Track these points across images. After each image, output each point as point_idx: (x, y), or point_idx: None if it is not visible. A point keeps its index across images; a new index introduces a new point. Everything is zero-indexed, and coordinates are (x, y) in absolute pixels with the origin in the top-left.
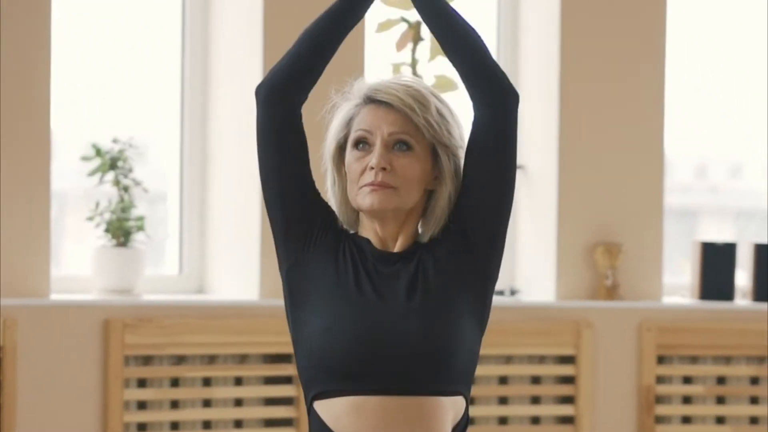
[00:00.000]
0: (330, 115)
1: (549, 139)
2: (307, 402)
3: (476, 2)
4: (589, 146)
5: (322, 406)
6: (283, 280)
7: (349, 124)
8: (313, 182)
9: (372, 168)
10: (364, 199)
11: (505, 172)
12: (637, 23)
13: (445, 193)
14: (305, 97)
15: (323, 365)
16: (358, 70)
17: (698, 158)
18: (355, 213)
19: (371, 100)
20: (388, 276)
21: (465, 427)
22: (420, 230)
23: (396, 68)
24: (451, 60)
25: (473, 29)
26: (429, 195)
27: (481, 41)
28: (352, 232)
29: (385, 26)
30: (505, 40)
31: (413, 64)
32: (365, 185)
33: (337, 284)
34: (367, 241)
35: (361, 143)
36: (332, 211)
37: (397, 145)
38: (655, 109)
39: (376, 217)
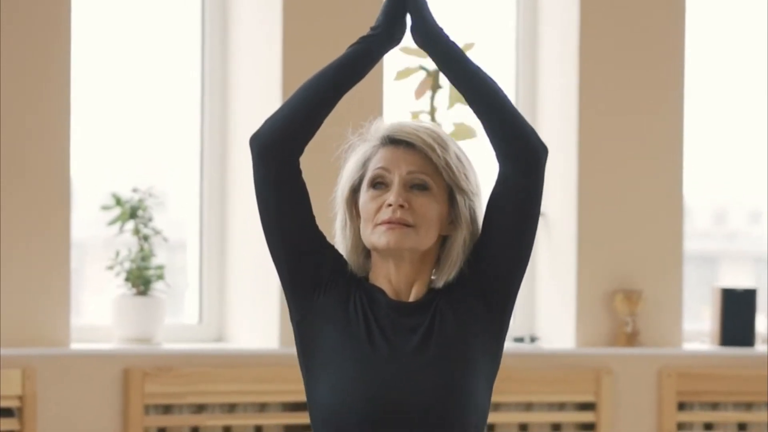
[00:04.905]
0: (345, 156)
1: (568, 186)
2: None
3: (494, 51)
4: (608, 193)
5: None
6: (294, 332)
7: (365, 165)
8: (318, 233)
9: (389, 205)
10: (380, 237)
11: (529, 226)
12: (655, 74)
13: (461, 238)
14: (302, 151)
15: (335, 424)
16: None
17: (717, 204)
18: (366, 258)
19: (390, 140)
20: (403, 329)
21: None
22: (433, 277)
23: (415, 116)
24: (478, 116)
25: (497, 85)
26: (443, 241)
27: (507, 97)
28: (362, 276)
29: (403, 74)
30: (524, 92)
31: (432, 112)
32: (381, 223)
33: (348, 338)
34: (380, 290)
35: (378, 182)
36: (340, 258)
37: (416, 185)
38: (673, 156)
39: (391, 256)
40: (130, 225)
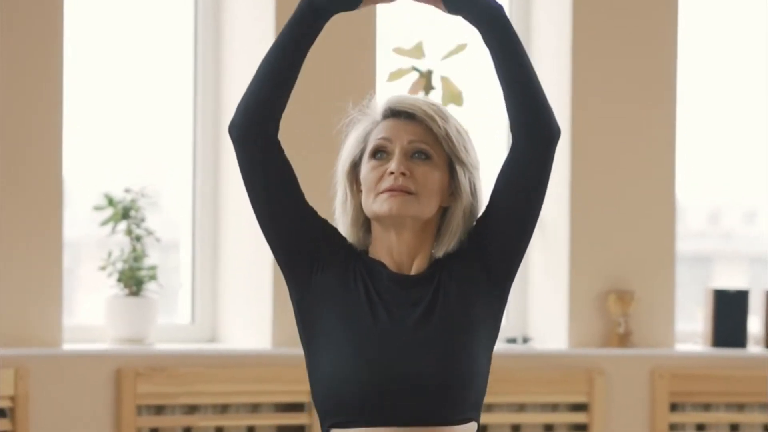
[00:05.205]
0: (346, 131)
1: (561, 187)
2: (323, 429)
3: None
4: (601, 194)
5: None
6: (294, 310)
7: (365, 138)
8: (309, 209)
9: (391, 173)
10: (382, 205)
11: (537, 203)
12: (649, 74)
13: (460, 209)
14: (277, 126)
15: (338, 397)
16: (369, 47)
17: (711, 204)
18: (367, 232)
19: (391, 112)
20: (405, 301)
21: None
22: (433, 250)
23: None
24: (507, 86)
25: (530, 60)
26: (443, 213)
27: (536, 74)
28: (362, 250)
29: (396, 75)
30: None
31: None
32: (383, 191)
33: (349, 313)
34: (381, 264)
35: (379, 152)
36: (336, 233)
37: (417, 153)
38: (666, 156)
39: (393, 226)
40: (122, 225)
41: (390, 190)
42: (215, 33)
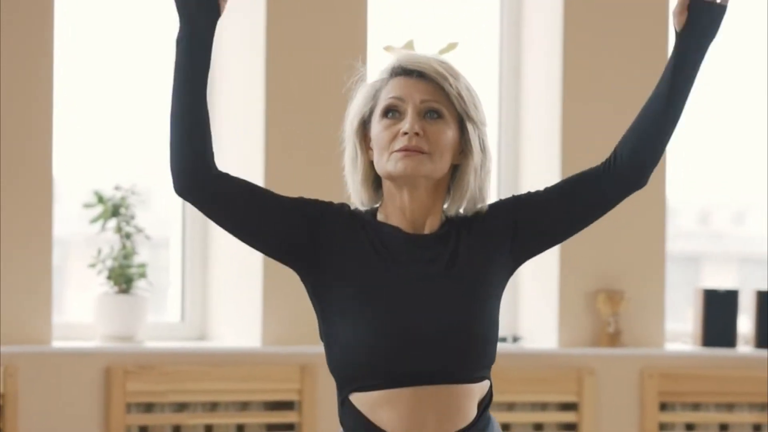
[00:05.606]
0: (354, 88)
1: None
2: (340, 396)
3: (477, 49)
4: None
5: (358, 398)
6: (310, 294)
7: (375, 96)
8: (283, 207)
9: (405, 133)
10: (396, 165)
11: (591, 219)
12: (638, 76)
13: (471, 166)
14: (213, 164)
15: (362, 360)
16: (361, 49)
17: (701, 205)
18: (377, 190)
19: (402, 70)
20: (422, 259)
21: (489, 402)
22: (445, 206)
23: None
24: (654, 120)
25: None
26: (453, 171)
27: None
28: (370, 217)
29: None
30: (507, 94)
31: None
32: (397, 151)
33: (366, 280)
34: (393, 227)
35: (391, 111)
36: (325, 211)
37: (429, 112)
38: None
39: (406, 185)
40: (112, 223)
41: (404, 150)
42: None
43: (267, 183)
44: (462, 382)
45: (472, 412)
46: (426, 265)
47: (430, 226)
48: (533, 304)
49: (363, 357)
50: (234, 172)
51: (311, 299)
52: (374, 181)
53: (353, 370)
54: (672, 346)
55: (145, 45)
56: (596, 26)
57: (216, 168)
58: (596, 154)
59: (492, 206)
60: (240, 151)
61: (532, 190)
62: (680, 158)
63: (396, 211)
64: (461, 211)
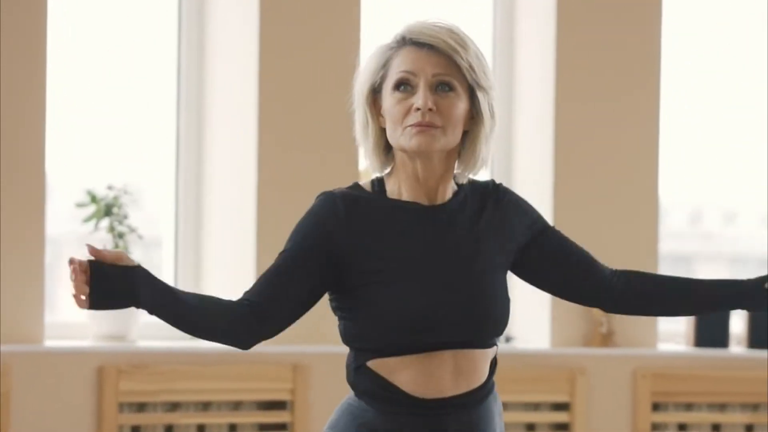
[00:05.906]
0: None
1: (543, 187)
2: (356, 363)
3: None
4: (584, 193)
5: (376, 363)
6: (332, 293)
7: (385, 65)
8: (301, 263)
9: (418, 109)
10: (410, 140)
11: (549, 286)
12: (631, 76)
13: (482, 132)
14: (246, 323)
15: (387, 334)
16: (354, 50)
17: (693, 205)
18: (387, 156)
19: (412, 42)
20: (443, 232)
21: (495, 365)
22: (457, 171)
23: None
24: (655, 301)
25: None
26: (464, 135)
27: None
28: (377, 197)
29: None
30: (500, 93)
31: None
32: (411, 126)
33: (390, 262)
34: (404, 202)
35: (403, 85)
36: (324, 228)
37: (440, 86)
38: (649, 156)
39: (419, 156)
40: (105, 222)
41: (417, 125)
42: (199, 30)
43: (260, 182)
44: (479, 348)
45: (485, 372)
46: (446, 235)
47: (443, 193)
48: (526, 304)
49: (388, 330)
50: (228, 172)
51: (335, 299)
52: (385, 148)
53: (375, 342)
54: (664, 347)
55: (139, 44)
56: (589, 26)
57: (252, 320)
58: (589, 153)
59: (519, 204)
60: (233, 151)
61: (559, 230)
62: (672, 159)
63: (409, 179)
64: (470, 176)
